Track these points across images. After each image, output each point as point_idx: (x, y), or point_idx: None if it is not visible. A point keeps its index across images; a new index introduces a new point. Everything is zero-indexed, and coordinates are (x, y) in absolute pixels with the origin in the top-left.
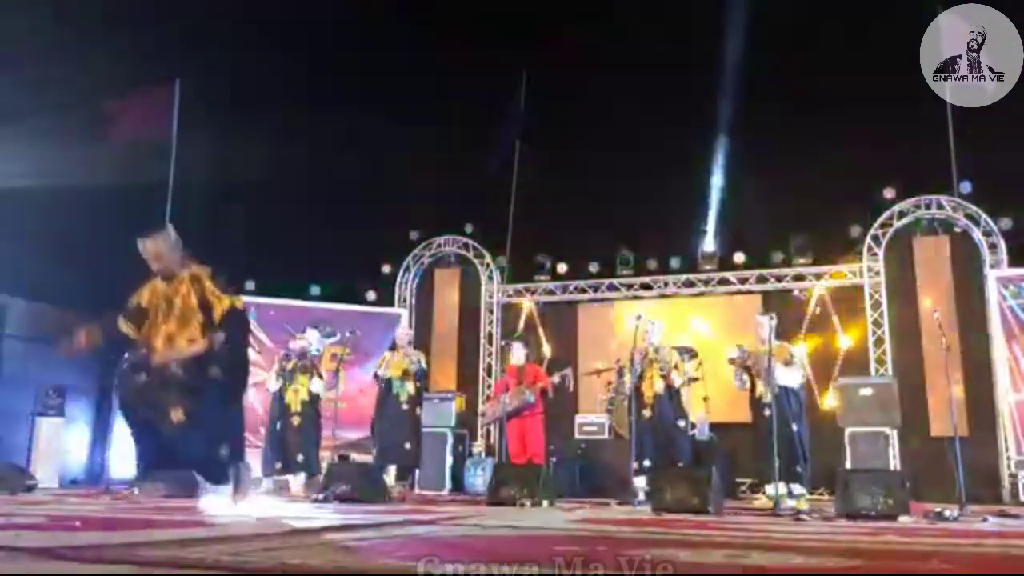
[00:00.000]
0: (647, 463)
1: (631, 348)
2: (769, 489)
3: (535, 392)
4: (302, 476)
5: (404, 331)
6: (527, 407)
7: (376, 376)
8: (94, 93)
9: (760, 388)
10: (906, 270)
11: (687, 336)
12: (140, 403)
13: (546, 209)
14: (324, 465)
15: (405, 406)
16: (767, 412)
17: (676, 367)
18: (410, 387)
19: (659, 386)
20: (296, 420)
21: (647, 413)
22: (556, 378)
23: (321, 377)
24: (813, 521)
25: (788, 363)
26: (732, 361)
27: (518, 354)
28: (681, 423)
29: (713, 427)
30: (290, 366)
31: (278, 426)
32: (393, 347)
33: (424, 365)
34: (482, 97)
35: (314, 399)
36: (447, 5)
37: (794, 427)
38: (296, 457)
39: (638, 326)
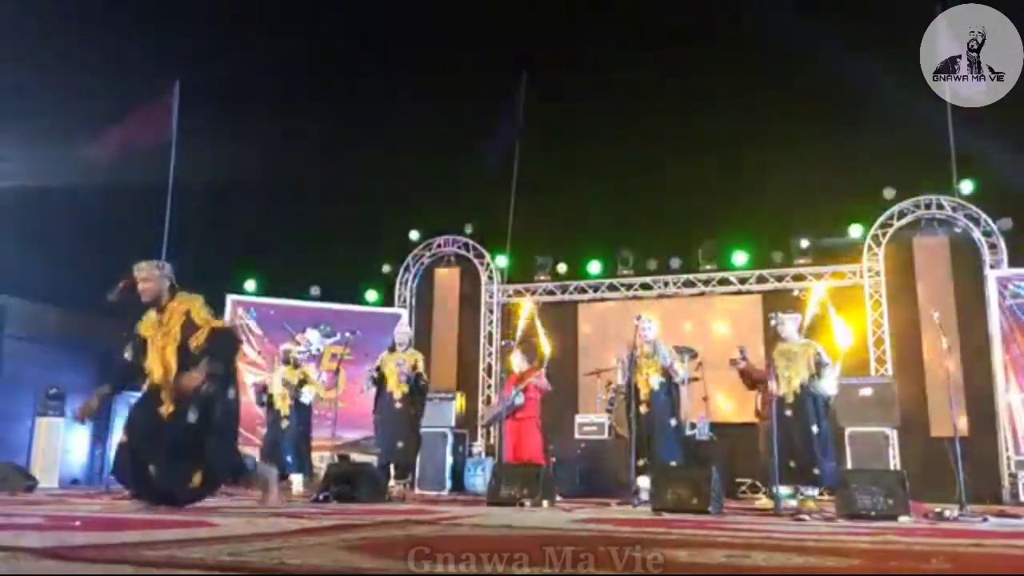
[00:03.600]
0: (641, 462)
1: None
2: (784, 490)
3: (519, 390)
4: (298, 476)
5: (401, 330)
6: (516, 409)
7: (373, 380)
8: (94, 93)
9: (783, 388)
10: (906, 270)
11: (687, 336)
12: (150, 454)
13: (546, 209)
14: (324, 465)
15: (399, 405)
16: (788, 413)
17: (694, 355)
18: (403, 386)
19: (655, 382)
20: (285, 423)
21: (644, 409)
22: (540, 376)
23: (309, 383)
24: (813, 521)
25: (820, 368)
26: (733, 363)
27: (518, 361)
28: (672, 422)
29: (713, 427)
30: (279, 371)
31: (265, 432)
32: (392, 348)
33: (420, 364)
34: (483, 97)
35: (302, 404)
36: (448, 6)
37: (814, 428)
38: (287, 457)
39: (637, 326)
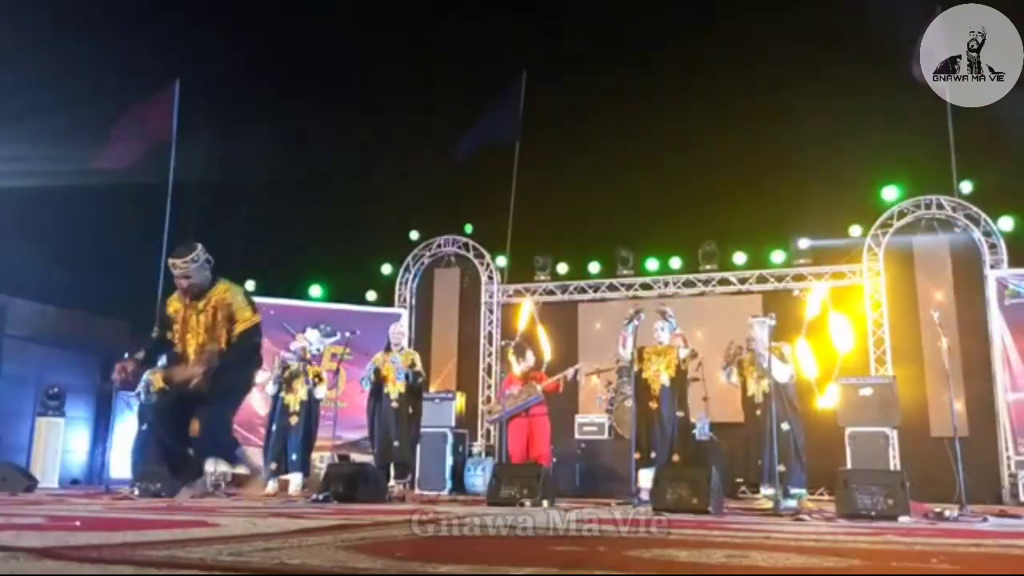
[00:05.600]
0: (653, 455)
1: (632, 343)
2: (764, 489)
3: (544, 387)
4: (298, 476)
5: (397, 331)
6: (536, 403)
7: (370, 382)
8: (94, 93)
9: (752, 388)
10: (906, 270)
11: (687, 336)
12: (161, 423)
13: (546, 209)
14: (324, 465)
15: (395, 404)
16: (758, 412)
17: (695, 355)
18: (400, 386)
19: (665, 379)
20: (293, 420)
21: (653, 405)
22: (570, 372)
23: (322, 381)
24: (813, 521)
25: (781, 358)
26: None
27: (520, 365)
28: (680, 413)
29: (713, 427)
30: (288, 372)
31: (274, 428)
32: (388, 347)
33: (417, 363)
34: (483, 97)
35: (313, 401)
36: (449, 5)
37: (784, 426)
38: (291, 456)
39: (637, 328)
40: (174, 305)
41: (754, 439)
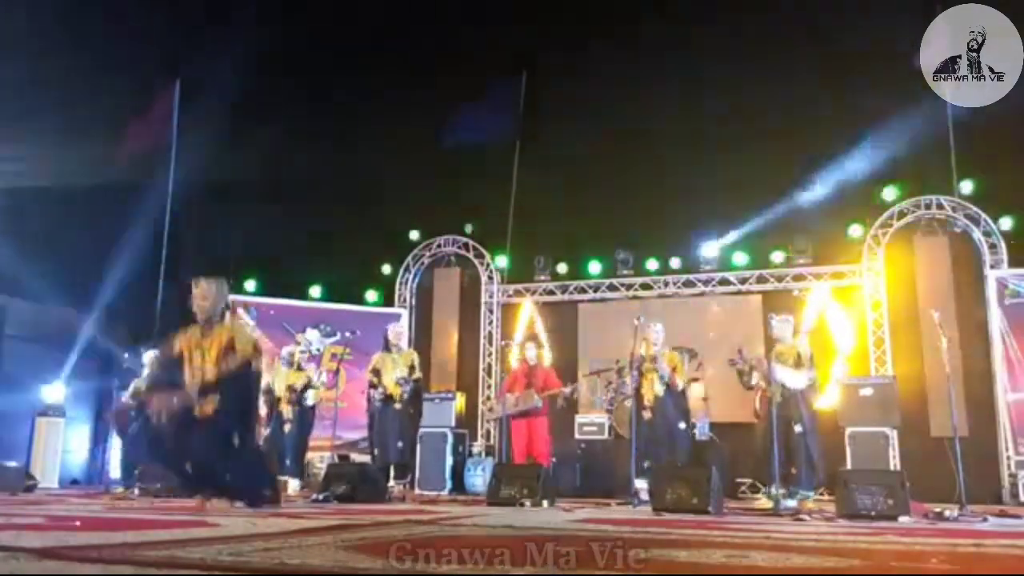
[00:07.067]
0: (646, 464)
1: (631, 350)
2: (771, 489)
3: (543, 398)
4: (295, 480)
5: (396, 331)
6: (534, 411)
7: (371, 384)
8: (94, 93)
9: (771, 387)
10: (906, 270)
11: (687, 336)
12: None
13: (546, 209)
14: (324, 466)
15: (398, 405)
16: (774, 412)
17: (675, 370)
18: (403, 386)
19: (659, 388)
20: (287, 427)
21: (647, 415)
22: (568, 389)
23: (313, 387)
24: (813, 521)
25: (798, 365)
26: (732, 363)
27: (531, 353)
28: (681, 425)
29: (713, 427)
30: (281, 374)
31: (268, 430)
32: (387, 347)
33: (416, 364)
34: (483, 97)
35: (304, 407)
36: (449, 5)
37: (797, 428)
38: (285, 461)
39: (637, 328)
40: (180, 344)
41: (765, 440)
